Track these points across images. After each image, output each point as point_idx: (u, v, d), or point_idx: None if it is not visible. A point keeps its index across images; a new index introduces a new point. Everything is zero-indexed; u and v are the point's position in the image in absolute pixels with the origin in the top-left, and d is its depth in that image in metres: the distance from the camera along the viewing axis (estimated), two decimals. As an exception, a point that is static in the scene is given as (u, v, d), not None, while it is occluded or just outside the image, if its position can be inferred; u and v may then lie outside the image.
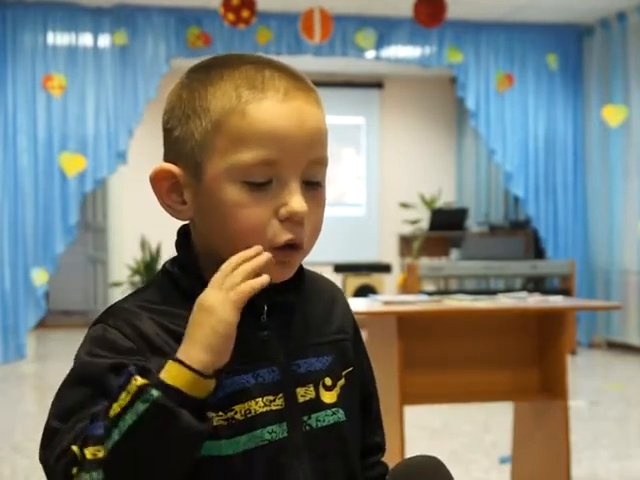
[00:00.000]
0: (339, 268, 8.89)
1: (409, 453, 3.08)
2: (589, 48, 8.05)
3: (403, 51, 7.82)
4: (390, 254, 9.66)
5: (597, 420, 4.90)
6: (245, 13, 6.15)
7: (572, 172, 8.14)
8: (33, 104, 7.15)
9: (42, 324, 7.77)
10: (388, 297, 3.53)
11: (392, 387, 3.07)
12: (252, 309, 1.02)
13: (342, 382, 1.09)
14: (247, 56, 1.05)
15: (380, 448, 1.20)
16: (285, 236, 0.99)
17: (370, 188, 10.28)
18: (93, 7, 7.24)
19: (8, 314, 7.10)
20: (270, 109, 0.98)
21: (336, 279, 8.95)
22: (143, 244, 8.69)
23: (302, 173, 1.00)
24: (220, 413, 0.98)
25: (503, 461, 3.87)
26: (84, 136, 7.22)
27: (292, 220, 0.99)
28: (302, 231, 1.00)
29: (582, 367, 6.91)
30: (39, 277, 7.14)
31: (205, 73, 1.02)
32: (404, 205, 9.31)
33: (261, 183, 0.98)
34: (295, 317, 1.08)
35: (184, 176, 1.02)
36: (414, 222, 9.19)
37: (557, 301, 3.37)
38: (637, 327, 7.36)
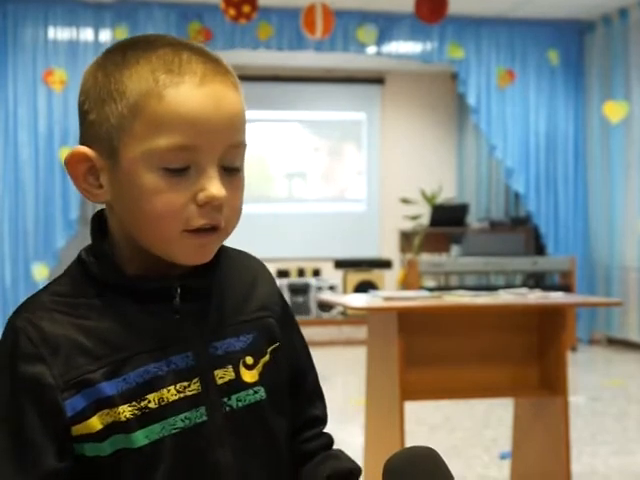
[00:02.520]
0: (339, 264, 8.89)
1: (409, 449, 3.08)
2: (590, 44, 8.05)
3: (404, 47, 7.82)
4: (390, 250, 9.66)
5: (597, 416, 4.90)
6: (246, 8, 6.14)
7: (573, 168, 8.14)
8: (34, 98, 7.16)
9: (43, 319, 7.78)
10: (388, 293, 3.53)
11: (392, 383, 3.08)
12: (164, 293, 1.02)
13: (266, 359, 1.08)
14: (164, 38, 1.02)
15: (319, 420, 1.19)
16: (201, 220, 0.98)
17: (371, 184, 10.27)
18: (94, 2, 7.24)
19: (8, 308, 7.10)
20: (187, 93, 0.96)
21: (336, 275, 8.95)
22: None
23: (220, 158, 0.99)
24: (133, 403, 0.97)
25: (503, 457, 3.88)
26: (85, 131, 7.22)
27: (210, 205, 0.98)
28: (220, 216, 0.99)
29: (582, 363, 6.92)
30: (40, 272, 7.15)
31: (121, 55, 1.00)
32: (405, 201, 9.30)
33: (178, 169, 0.97)
34: (212, 299, 1.07)
35: (100, 160, 1.00)
36: (415, 218, 9.19)
37: (557, 297, 3.37)
38: (637, 323, 7.36)
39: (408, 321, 3.09)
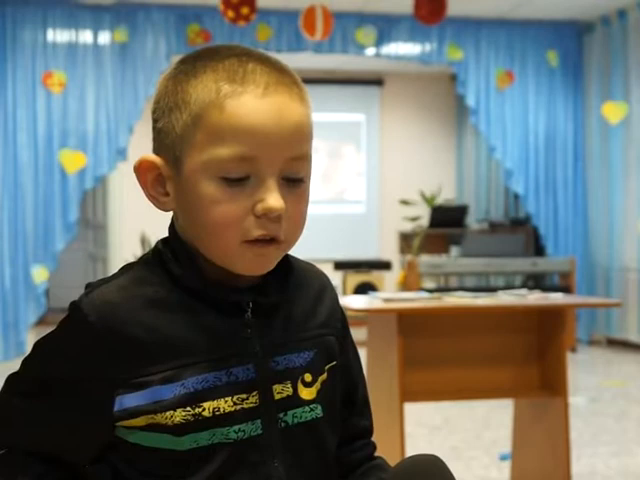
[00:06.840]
0: (339, 265, 8.88)
1: (409, 450, 3.09)
2: (589, 45, 8.05)
3: (403, 48, 7.82)
4: (390, 251, 9.66)
5: (597, 417, 4.90)
6: (245, 10, 6.14)
7: (572, 169, 8.14)
8: (33, 101, 7.15)
9: (42, 321, 7.76)
10: (388, 294, 3.53)
11: (392, 384, 3.07)
12: (236, 308, 1.03)
13: (324, 377, 1.09)
14: (235, 48, 1.03)
15: (368, 431, 1.20)
16: (258, 231, 0.98)
17: (370, 185, 10.27)
18: (93, 4, 7.24)
19: (8, 311, 7.10)
20: (248, 104, 0.97)
21: (336, 276, 8.95)
22: (143, 241, 8.69)
23: (281, 169, 0.99)
24: (188, 408, 0.97)
25: (503, 458, 3.88)
26: (84, 133, 7.22)
27: (268, 217, 0.98)
28: (278, 227, 0.99)
29: (582, 364, 6.92)
30: (39, 274, 7.14)
31: (192, 65, 1.01)
32: (404, 202, 9.30)
33: (238, 179, 0.97)
34: (278, 314, 1.07)
35: (166, 168, 1.02)
36: (414, 219, 9.19)
37: (557, 298, 3.36)
38: (637, 324, 7.36)
39: (408, 322, 3.09)
